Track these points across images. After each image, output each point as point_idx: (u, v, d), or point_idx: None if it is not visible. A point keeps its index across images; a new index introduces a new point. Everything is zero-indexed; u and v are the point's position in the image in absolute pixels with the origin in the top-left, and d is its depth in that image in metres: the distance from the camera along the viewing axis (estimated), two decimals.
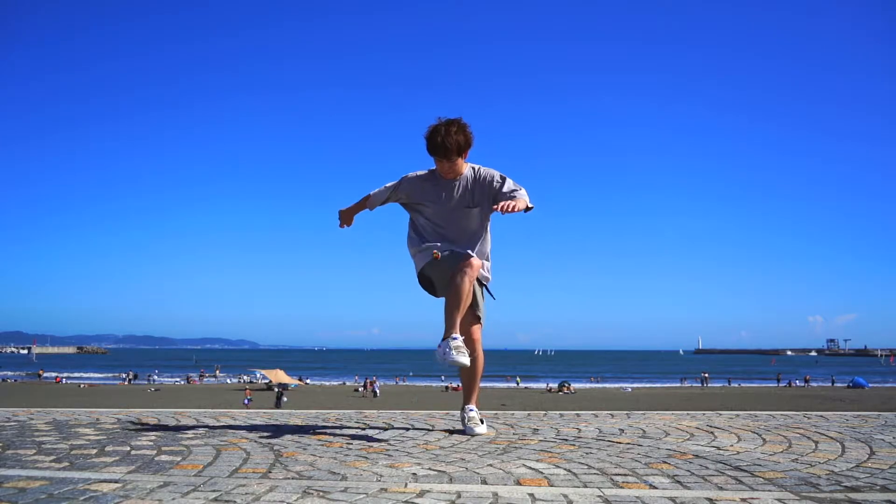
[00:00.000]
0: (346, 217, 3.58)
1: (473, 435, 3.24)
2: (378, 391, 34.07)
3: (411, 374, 64.02)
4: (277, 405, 24.98)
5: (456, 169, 3.29)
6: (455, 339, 3.09)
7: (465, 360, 3.07)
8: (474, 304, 3.40)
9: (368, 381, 37.95)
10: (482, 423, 3.37)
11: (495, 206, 3.21)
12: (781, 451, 2.79)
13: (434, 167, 3.38)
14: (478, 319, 3.47)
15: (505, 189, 3.31)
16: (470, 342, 3.34)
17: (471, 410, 3.42)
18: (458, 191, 3.34)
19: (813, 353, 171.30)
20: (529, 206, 3.19)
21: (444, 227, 3.40)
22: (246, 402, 26.44)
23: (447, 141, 3.15)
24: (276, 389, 31.52)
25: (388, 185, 3.47)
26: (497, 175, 3.37)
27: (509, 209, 3.07)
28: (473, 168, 3.39)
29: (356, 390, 37.89)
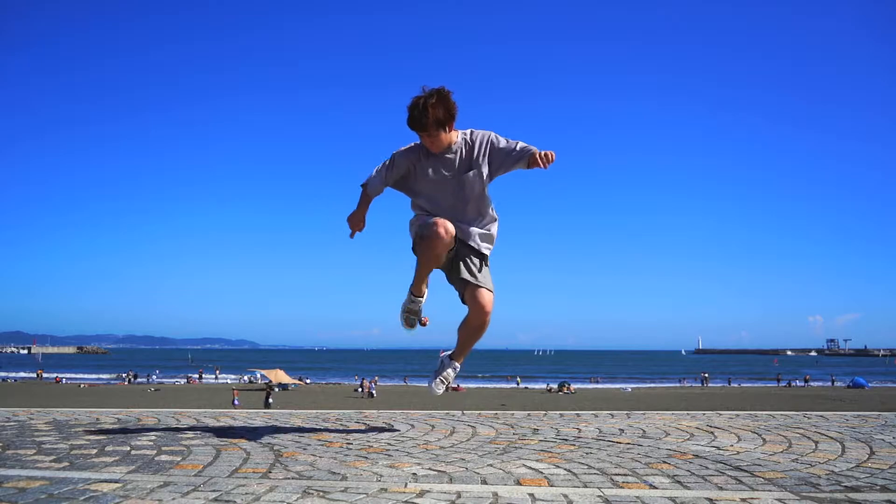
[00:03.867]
0: (356, 221, 3.37)
1: (431, 393, 3.49)
2: (374, 392, 33.92)
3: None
4: (266, 405, 24.89)
5: (440, 142, 3.12)
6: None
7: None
8: (473, 275, 3.26)
9: (366, 381, 37.86)
10: (444, 384, 3.44)
11: (536, 165, 3.11)
12: (781, 451, 2.79)
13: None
14: (484, 287, 3.26)
15: (503, 146, 3.19)
16: (483, 311, 3.23)
17: (449, 366, 3.41)
18: (453, 161, 3.18)
19: (813, 353, 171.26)
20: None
21: (444, 199, 3.23)
22: (236, 402, 26.20)
23: (424, 115, 3.01)
24: (276, 388, 31.39)
25: (378, 167, 3.30)
26: (491, 135, 3.23)
27: (548, 159, 3.08)
28: (465, 134, 3.23)
29: (356, 390, 37.87)
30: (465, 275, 3.24)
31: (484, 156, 3.20)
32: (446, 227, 3.11)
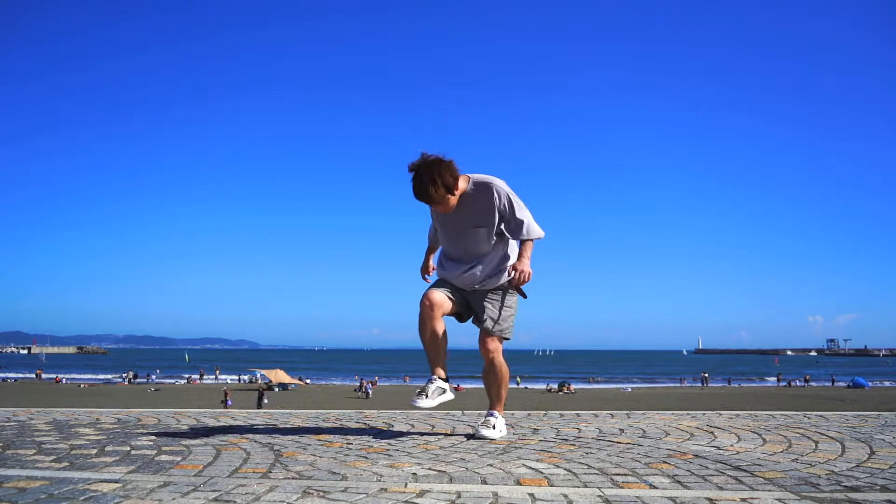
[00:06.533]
0: (423, 269, 3.64)
1: (480, 437, 3.13)
2: (371, 392, 33.90)
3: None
4: (259, 405, 24.84)
5: (449, 207, 3.12)
6: (432, 380, 3.17)
7: (424, 403, 3.08)
8: (483, 317, 3.27)
9: (364, 381, 37.88)
10: (494, 428, 3.19)
11: (509, 284, 3.25)
12: (781, 451, 2.79)
13: None
14: (488, 332, 3.25)
15: (509, 218, 3.17)
16: (484, 353, 3.23)
17: (490, 416, 3.28)
18: (462, 215, 3.17)
19: (813, 353, 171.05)
20: (525, 278, 3.16)
21: (456, 246, 3.29)
22: (229, 402, 26.12)
23: (427, 195, 3.01)
24: (277, 388, 31.29)
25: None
26: (505, 197, 3.15)
27: (520, 280, 3.15)
28: (478, 186, 3.15)
29: (355, 390, 37.87)
30: (480, 320, 3.28)
31: (492, 214, 3.16)
32: (433, 301, 3.19)
